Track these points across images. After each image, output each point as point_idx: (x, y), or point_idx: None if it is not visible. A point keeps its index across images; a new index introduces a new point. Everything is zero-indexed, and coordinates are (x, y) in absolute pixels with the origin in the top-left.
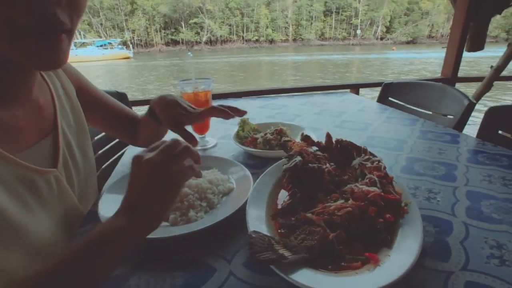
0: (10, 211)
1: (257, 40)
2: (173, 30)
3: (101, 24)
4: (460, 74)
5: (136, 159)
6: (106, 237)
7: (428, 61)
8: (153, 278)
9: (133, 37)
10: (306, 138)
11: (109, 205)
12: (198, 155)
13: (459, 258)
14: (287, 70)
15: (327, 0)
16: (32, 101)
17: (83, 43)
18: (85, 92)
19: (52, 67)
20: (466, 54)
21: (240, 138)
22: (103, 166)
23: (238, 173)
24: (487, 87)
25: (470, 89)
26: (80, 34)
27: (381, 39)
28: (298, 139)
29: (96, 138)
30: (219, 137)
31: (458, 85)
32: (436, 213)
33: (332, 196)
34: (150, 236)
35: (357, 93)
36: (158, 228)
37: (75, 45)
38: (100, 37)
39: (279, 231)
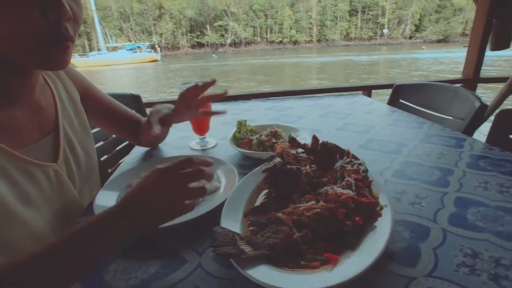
0: (9, 200)
1: (280, 42)
2: (198, 33)
3: (131, 29)
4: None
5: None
6: (100, 223)
7: (461, 60)
8: (130, 265)
9: (160, 41)
10: (292, 140)
11: (105, 199)
12: (212, 175)
13: (427, 264)
14: (311, 71)
15: None
16: (34, 102)
17: (115, 47)
18: (90, 97)
19: (62, 67)
20: (493, 53)
21: (237, 139)
22: (109, 170)
23: (227, 173)
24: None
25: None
26: (112, 39)
27: (410, 38)
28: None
29: (105, 142)
30: (219, 138)
31: (480, 86)
32: (417, 219)
33: (306, 197)
34: None
35: (369, 95)
36: None
37: (107, 49)
38: (130, 41)
39: (250, 228)
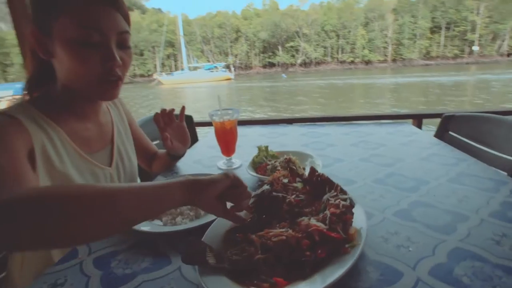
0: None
1: (352, 61)
2: (270, 53)
3: (211, 51)
4: None
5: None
6: (159, 186)
7: None
8: (131, 258)
9: (235, 61)
10: (290, 170)
11: None
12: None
13: None
14: (383, 93)
15: (436, 15)
16: (98, 121)
17: (195, 67)
18: (129, 124)
19: (113, 98)
20: None
21: (255, 163)
22: None
23: None
24: None
25: None
26: (193, 60)
27: (508, 55)
28: (307, 168)
29: None
30: (244, 160)
31: None
32: (394, 262)
33: (281, 224)
34: (140, 229)
35: (420, 124)
36: (151, 224)
37: (189, 69)
38: (209, 61)
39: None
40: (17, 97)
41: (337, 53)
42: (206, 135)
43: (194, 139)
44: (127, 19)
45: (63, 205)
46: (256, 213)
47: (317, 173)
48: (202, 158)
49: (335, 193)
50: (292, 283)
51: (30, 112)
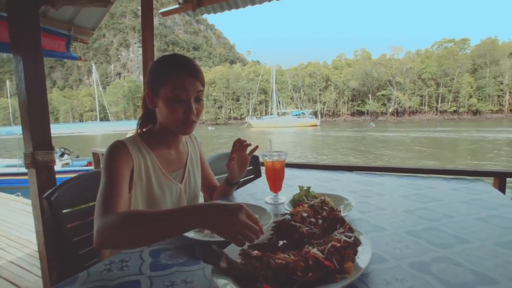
0: (158, 195)
1: (455, 111)
2: (359, 102)
3: (300, 98)
4: None
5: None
6: (177, 209)
7: None
8: (173, 255)
9: (323, 108)
10: (312, 207)
11: None
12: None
13: None
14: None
15: None
16: (178, 149)
17: (284, 112)
18: (200, 159)
19: (188, 134)
20: None
21: (294, 201)
22: None
23: (266, 221)
24: None
25: None
26: (283, 106)
27: None
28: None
29: None
30: (290, 197)
31: None
32: None
33: (292, 252)
34: (190, 236)
35: (502, 184)
36: (196, 234)
37: (277, 114)
38: (297, 108)
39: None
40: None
41: (436, 102)
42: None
43: (258, 175)
44: (202, 83)
45: (128, 225)
46: (275, 236)
47: (333, 212)
48: (255, 192)
49: (342, 230)
50: None
51: (137, 141)
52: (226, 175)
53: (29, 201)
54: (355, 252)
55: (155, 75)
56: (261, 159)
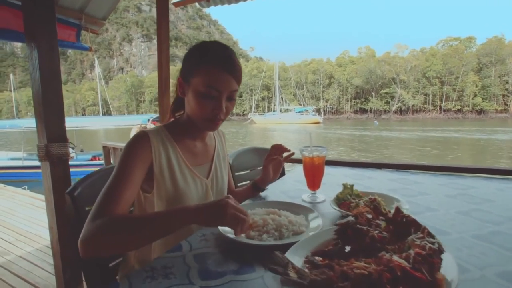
0: (184, 190)
1: (459, 110)
2: (363, 99)
3: (303, 95)
4: None
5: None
6: (178, 212)
7: None
8: (223, 260)
9: (326, 105)
10: (374, 208)
11: None
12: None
13: None
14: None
15: None
16: (204, 142)
17: (287, 109)
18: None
19: (214, 130)
20: None
21: (339, 200)
22: None
23: (316, 223)
24: None
25: None
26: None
27: None
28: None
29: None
30: (329, 196)
31: None
32: None
33: (366, 260)
34: (235, 238)
35: None
36: (242, 238)
37: (280, 111)
38: (300, 105)
39: (306, 265)
40: (144, 125)
41: (440, 100)
42: (288, 170)
43: (282, 173)
44: (238, 81)
45: (122, 227)
46: (340, 241)
47: (402, 214)
48: (288, 190)
49: (421, 235)
50: None
51: (160, 132)
52: (248, 171)
53: (36, 195)
54: (440, 261)
55: (188, 63)
56: (299, 154)
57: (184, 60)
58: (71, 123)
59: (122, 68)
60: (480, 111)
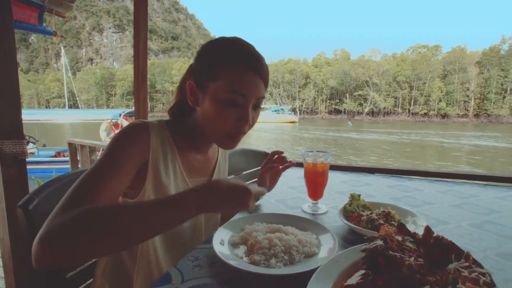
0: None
1: (425, 114)
2: (337, 100)
3: (279, 94)
4: None
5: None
6: (174, 198)
7: None
8: (221, 285)
9: (301, 105)
10: (400, 226)
11: (220, 235)
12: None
13: None
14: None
15: None
16: (206, 155)
17: (263, 107)
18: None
19: (230, 149)
20: None
21: (347, 212)
22: None
23: (328, 242)
24: None
25: None
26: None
27: None
28: (410, 226)
29: None
30: (331, 206)
31: None
32: None
33: None
34: (242, 268)
35: None
36: (244, 263)
37: None
38: (276, 104)
39: None
40: (114, 120)
41: (409, 104)
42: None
43: None
44: (267, 86)
45: (104, 217)
46: (370, 272)
47: (435, 235)
48: (284, 198)
49: (467, 264)
50: None
51: (161, 130)
52: (240, 174)
53: None
54: None
55: (205, 64)
56: (301, 160)
57: (199, 60)
58: (32, 115)
59: (91, 59)
60: (444, 115)
